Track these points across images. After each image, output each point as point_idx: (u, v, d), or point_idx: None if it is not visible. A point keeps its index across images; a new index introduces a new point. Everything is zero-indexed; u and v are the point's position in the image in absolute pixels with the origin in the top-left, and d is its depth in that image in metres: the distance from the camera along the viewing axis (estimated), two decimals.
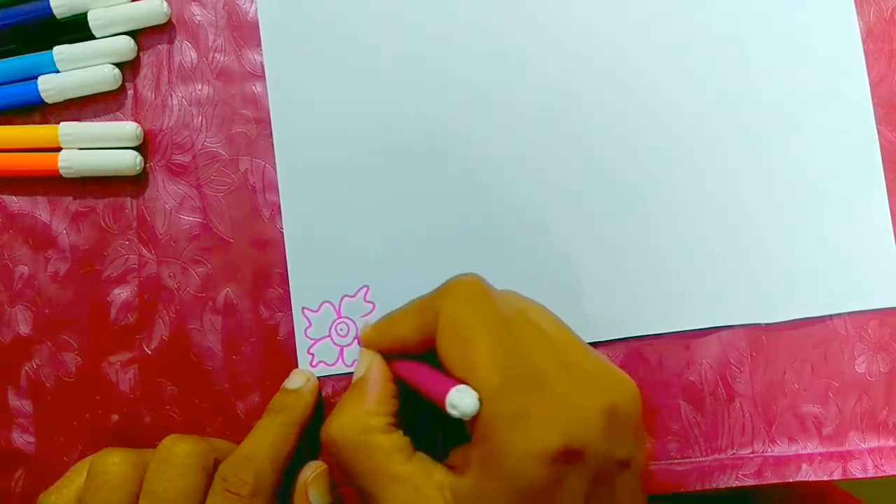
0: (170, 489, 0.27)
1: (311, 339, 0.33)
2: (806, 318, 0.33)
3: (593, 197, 0.33)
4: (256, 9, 0.34)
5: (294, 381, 0.31)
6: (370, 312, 0.33)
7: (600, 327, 0.33)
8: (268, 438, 0.29)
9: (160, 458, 0.28)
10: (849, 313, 0.33)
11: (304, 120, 0.33)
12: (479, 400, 0.24)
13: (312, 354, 0.33)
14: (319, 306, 0.33)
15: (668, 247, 0.33)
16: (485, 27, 0.34)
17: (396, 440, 0.26)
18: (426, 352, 0.27)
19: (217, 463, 0.29)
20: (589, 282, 0.33)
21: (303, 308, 0.33)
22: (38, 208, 0.34)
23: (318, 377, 0.32)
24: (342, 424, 0.27)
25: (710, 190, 0.33)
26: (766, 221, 0.33)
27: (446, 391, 0.24)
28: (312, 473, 0.30)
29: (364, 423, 0.27)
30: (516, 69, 0.33)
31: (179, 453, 0.28)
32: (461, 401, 0.24)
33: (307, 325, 0.33)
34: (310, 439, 0.31)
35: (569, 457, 0.24)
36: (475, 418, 0.24)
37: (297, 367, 0.33)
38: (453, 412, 0.24)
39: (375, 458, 0.26)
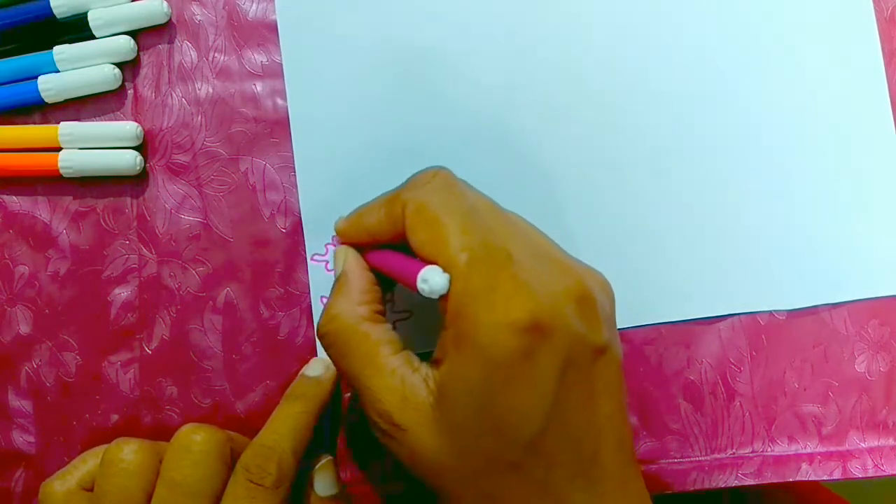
0: (189, 476, 0.27)
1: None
2: (813, 307, 0.33)
3: (600, 185, 0.34)
4: (258, 7, 0.34)
5: (314, 368, 0.31)
6: None
7: None
8: (288, 426, 0.29)
9: (178, 445, 0.28)
10: (853, 302, 0.33)
11: (320, 98, 0.34)
12: (450, 280, 0.25)
13: None
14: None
15: (673, 237, 0.33)
16: (503, 18, 0.34)
17: (384, 333, 0.27)
18: (398, 243, 0.28)
19: (234, 452, 0.28)
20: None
21: (321, 297, 0.33)
22: (38, 208, 0.34)
23: None
24: (334, 316, 0.27)
25: (720, 181, 0.34)
26: (777, 211, 0.34)
27: (418, 271, 0.25)
28: (318, 464, 0.30)
29: (353, 312, 0.27)
30: (536, 71, 0.34)
31: (198, 441, 0.28)
32: (432, 277, 0.24)
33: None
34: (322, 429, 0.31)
35: (538, 330, 0.24)
36: (447, 300, 0.25)
37: (308, 349, 0.33)
38: (424, 287, 0.24)
39: (364, 347, 0.26)
